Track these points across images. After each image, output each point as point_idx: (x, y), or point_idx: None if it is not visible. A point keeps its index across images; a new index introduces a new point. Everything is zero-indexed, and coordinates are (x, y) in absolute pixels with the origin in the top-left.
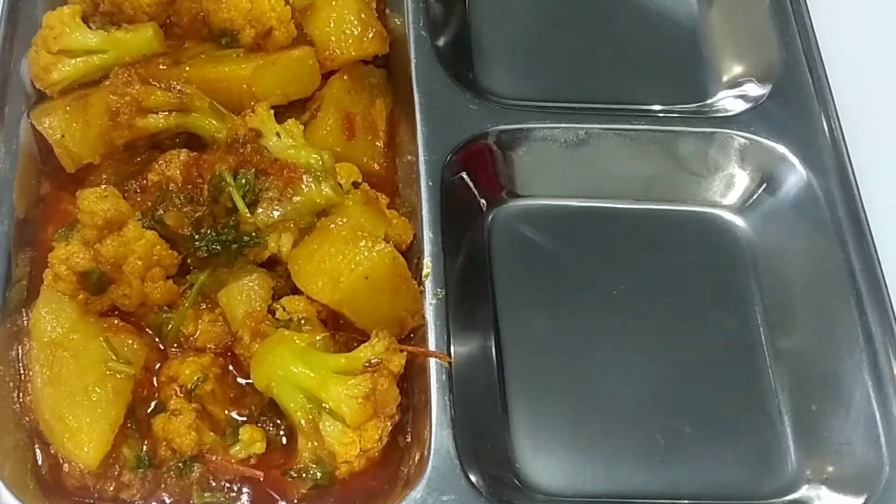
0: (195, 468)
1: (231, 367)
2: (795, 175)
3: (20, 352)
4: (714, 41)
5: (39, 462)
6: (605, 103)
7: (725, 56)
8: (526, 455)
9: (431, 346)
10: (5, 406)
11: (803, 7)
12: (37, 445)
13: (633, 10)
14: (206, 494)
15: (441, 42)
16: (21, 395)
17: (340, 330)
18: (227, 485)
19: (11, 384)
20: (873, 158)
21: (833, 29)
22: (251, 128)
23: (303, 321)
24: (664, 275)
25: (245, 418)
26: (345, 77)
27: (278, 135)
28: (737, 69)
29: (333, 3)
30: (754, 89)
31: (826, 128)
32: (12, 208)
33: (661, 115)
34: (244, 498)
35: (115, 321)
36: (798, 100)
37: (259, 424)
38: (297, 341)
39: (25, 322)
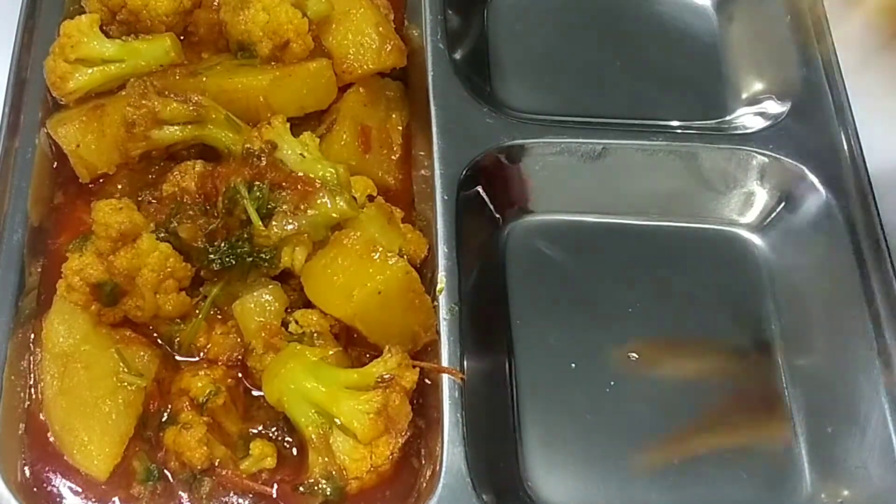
0: (205, 482)
1: (243, 379)
2: (814, 194)
3: (31, 362)
4: (734, 57)
5: (49, 473)
6: (623, 118)
7: (745, 72)
8: (538, 473)
9: (444, 361)
10: (17, 416)
11: (824, 24)
12: (46, 456)
13: (653, 25)
14: None
15: (458, 55)
16: (32, 405)
17: (353, 345)
18: (238, 499)
19: (23, 395)
20: (893, 177)
21: (853, 47)
22: (267, 140)
23: (315, 335)
24: (680, 292)
25: (256, 431)
26: (361, 90)
27: (294, 148)
28: (756, 86)
29: (351, 15)
30: (774, 106)
31: (846, 146)
32: (26, 217)
33: (679, 130)
34: None
35: (128, 332)
36: (818, 118)
37: (270, 438)
38: (310, 356)
39: (35, 332)
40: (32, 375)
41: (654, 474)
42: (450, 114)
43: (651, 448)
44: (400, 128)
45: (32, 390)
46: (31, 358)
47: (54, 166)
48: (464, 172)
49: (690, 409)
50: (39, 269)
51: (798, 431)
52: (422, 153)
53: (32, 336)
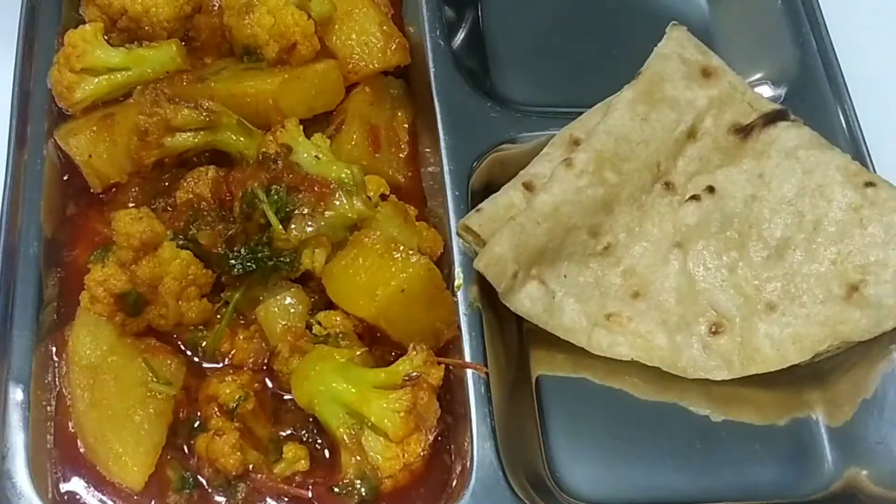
0: (240, 487)
1: (268, 383)
2: None
3: (55, 375)
4: (727, 44)
5: (82, 485)
6: None
7: (738, 58)
8: (565, 463)
9: (467, 356)
10: (45, 430)
11: (815, 6)
12: (77, 469)
13: (645, 14)
14: None
15: (457, 50)
16: (59, 418)
17: (376, 343)
18: (274, 503)
19: (48, 408)
20: (894, 159)
21: (846, 26)
22: (282, 144)
23: (340, 336)
24: None
25: (285, 434)
26: (366, 89)
27: (309, 150)
28: (751, 72)
29: (354, 15)
30: (770, 92)
31: (845, 128)
32: (40, 229)
33: None
34: None
35: (152, 342)
36: (815, 101)
37: (301, 440)
38: (338, 357)
39: (57, 345)
40: (56, 388)
41: (678, 460)
42: (454, 109)
43: (674, 433)
44: (406, 125)
45: (56, 403)
46: (55, 371)
47: (65, 178)
48: (472, 167)
49: (711, 392)
50: (56, 282)
51: (818, 410)
52: (428, 150)
53: (54, 349)
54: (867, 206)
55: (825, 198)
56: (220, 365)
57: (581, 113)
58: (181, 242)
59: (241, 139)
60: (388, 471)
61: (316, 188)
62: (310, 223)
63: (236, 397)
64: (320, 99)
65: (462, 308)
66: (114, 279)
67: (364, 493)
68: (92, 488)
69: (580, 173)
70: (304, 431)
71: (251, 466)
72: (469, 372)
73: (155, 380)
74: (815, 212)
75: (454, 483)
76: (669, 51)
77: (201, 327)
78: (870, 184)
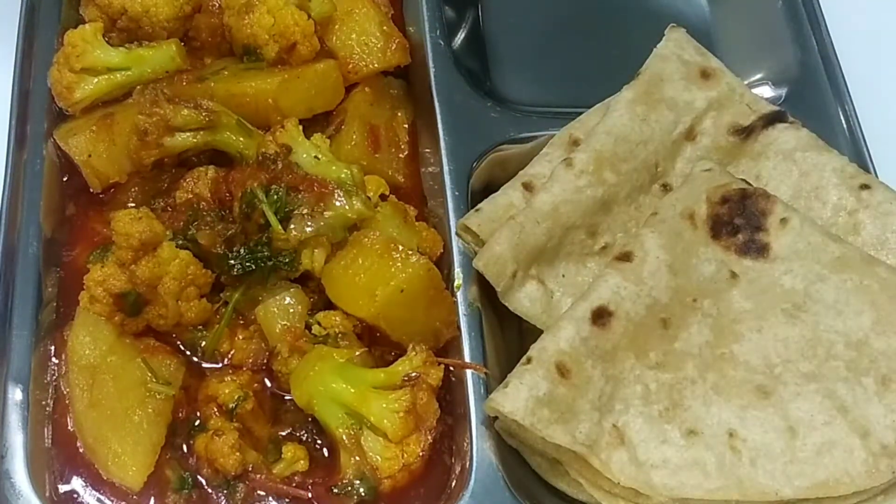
0: (240, 488)
1: (268, 383)
2: None
3: (53, 374)
4: (727, 44)
5: (80, 485)
6: None
7: (739, 59)
8: None
9: (466, 357)
10: (43, 429)
11: (816, 6)
12: (76, 468)
13: (645, 14)
14: None
15: (457, 50)
16: (58, 417)
17: (375, 344)
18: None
19: (47, 409)
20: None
21: (847, 26)
22: (282, 144)
23: (339, 336)
24: None
25: (284, 434)
26: (366, 89)
27: (308, 151)
28: (751, 73)
29: (354, 15)
30: (770, 93)
31: (846, 129)
32: (40, 229)
33: None
34: None
35: (151, 342)
36: (815, 103)
37: (300, 441)
38: (337, 357)
39: (56, 345)
40: (54, 388)
41: None
42: (454, 109)
43: None
44: (405, 125)
45: (55, 403)
46: (54, 371)
47: (64, 178)
48: (472, 167)
49: None
50: (55, 282)
51: None
52: (428, 150)
53: (53, 349)
54: (862, 210)
55: (820, 200)
56: (220, 365)
57: (581, 113)
58: (180, 242)
59: (241, 139)
60: (387, 471)
61: (315, 188)
62: (309, 223)
63: (235, 397)
64: (320, 99)
65: (462, 308)
66: (113, 279)
67: (363, 494)
68: (91, 488)
69: (580, 173)
70: (303, 431)
71: (250, 466)
72: (469, 372)
73: (154, 380)
74: (810, 214)
75: (453, 483)
76: (668, 52)
77: (200, 327)
78: (865, 186)
